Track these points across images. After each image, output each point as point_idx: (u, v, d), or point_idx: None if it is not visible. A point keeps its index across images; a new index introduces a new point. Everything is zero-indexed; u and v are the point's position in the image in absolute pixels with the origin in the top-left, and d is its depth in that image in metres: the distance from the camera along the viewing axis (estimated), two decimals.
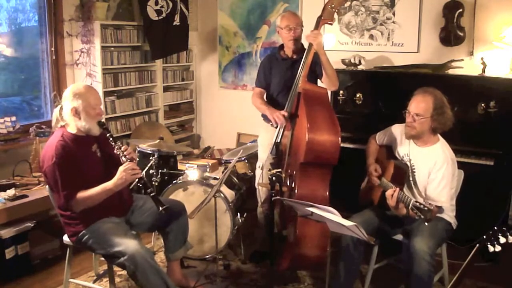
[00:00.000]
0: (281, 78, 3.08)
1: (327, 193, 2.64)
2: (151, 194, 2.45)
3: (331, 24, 2.93)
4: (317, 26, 2.86)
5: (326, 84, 3.04)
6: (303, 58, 2.85)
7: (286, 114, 2.86)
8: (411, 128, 2.53)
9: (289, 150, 2.89)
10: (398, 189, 2.41)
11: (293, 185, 2.71)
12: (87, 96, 2.42)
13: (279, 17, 3.14)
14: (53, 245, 3.30)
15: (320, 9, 2.88)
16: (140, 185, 2.49)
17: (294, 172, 2.73)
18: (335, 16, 2.88)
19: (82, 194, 2.35)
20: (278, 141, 2.92)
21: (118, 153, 2.43)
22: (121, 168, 2.37)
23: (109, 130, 2.54)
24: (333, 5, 2.82)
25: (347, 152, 3.67)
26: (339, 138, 2.61)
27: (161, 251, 3.21)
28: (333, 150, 2.60)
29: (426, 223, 2.21)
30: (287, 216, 2.85)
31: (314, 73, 3.04)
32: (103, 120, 2.53)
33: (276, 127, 2.97)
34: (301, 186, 2.64)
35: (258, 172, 3.24)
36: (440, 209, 2.49)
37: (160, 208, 2.42)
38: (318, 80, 3.12)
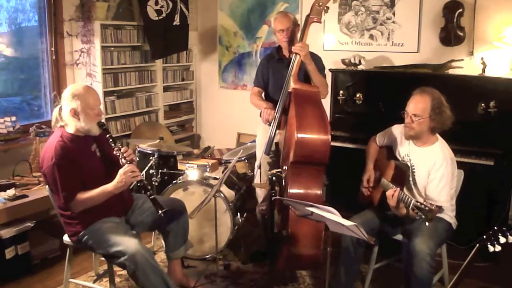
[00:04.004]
0: (278, 78, 3.09)
1: (320, 192, 2.64)
2: (150, 197, 2.45)
3: (319, 22, 2.93)
4: (306, 24, 2.88)
5: None
6: (293, 58, 2.88)
7: (273, 114, 2.91)
8: (410, 128, 2.53)
9: (283, 149, 2.90)
10: (398, 189, 2.41)
11: (286, 184, 2.71)
12: (86, 97, 2.41)
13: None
14: (53, 245, 3.30)
15: None
16: (141, 186, 2.49)
17: (287, 170, 2.73)
18: (324, 14, 2.89)
19: (81, 196, 2.35)
20: (272, 140, 2.92)
21: (118, 154, 2.43)
22: (121, 171, 2.37)
23: (109, 131, 2.54)
24: (320, 4, 2.84)
25: (347, 152, 3.69)
26: (329, 137, 2.61)
27: (161, 251, 3.21)
28: (323, 149, 2.60)
29: (427, 223, 2.20)
30: (284, 215, 2.85)
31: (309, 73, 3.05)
32: (102, 120, 2.53)
33: (269, 125, 2.98)
34: (293, 185, 2.64)
35: (255, 171, 3.25)
36: (440, 208, 2.49)
37: (159, 212, 2.42)
38: None
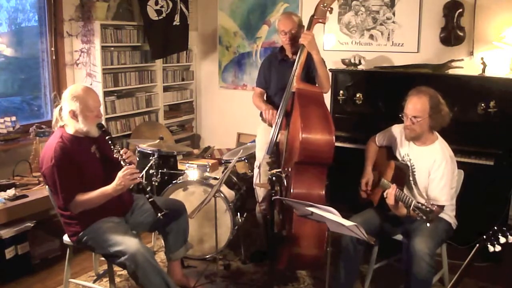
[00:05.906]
0: (280, 78, 3.08)
1: (323, 192, 2.63)
2: (149, 200, 2.44)
3: (324, 23, 2.92)
4: (310, 25, 2.87)
5: (319, 86, 3.05)
6: (297, 58, 2.87)
7: (275, 114, 2.91)
8: (411, 130, 2.53)
9: (285, 149, 2.90)
10: (394, 185, 2.40)
11: (289, 184, 2.71)
12: (85, 99, 2.41)
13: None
14: (53, 245, 3.30)
15: None
16: (140, 188, 2.48)
17: (290, 171, 2.73)
18: (328, 15, 2.87)
19: (81, 197, 2.35)
20: (274, 140, 2.92)
21: (117, 157, 2.42)
22: (119, 174, 2.36)
23: (109, 133, 2.54)
24: (325, 4, 2.82)
25: (347, 152, 3.69)
26: (333, 137, 2.60)
27: (161, 251, 3.21)
28: (327, 149, 2.60)
29: (428, 224, 2.20)
30: (285, 215, 2.85)
31: (311, 74, 3.04)
32: (102, 122, 2.52)
33: (270, 126, 2.97)
34: (296, 185, 2.63)
35: (255, 171, 3.25)
36: (441, 208, 2.49)
37: (159, 214, 2.42)
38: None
